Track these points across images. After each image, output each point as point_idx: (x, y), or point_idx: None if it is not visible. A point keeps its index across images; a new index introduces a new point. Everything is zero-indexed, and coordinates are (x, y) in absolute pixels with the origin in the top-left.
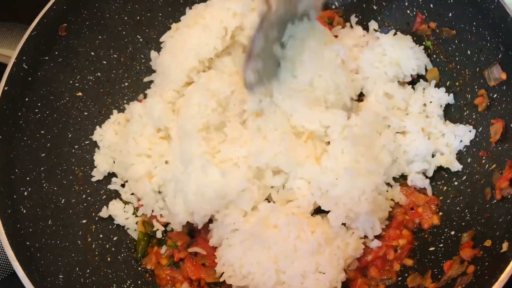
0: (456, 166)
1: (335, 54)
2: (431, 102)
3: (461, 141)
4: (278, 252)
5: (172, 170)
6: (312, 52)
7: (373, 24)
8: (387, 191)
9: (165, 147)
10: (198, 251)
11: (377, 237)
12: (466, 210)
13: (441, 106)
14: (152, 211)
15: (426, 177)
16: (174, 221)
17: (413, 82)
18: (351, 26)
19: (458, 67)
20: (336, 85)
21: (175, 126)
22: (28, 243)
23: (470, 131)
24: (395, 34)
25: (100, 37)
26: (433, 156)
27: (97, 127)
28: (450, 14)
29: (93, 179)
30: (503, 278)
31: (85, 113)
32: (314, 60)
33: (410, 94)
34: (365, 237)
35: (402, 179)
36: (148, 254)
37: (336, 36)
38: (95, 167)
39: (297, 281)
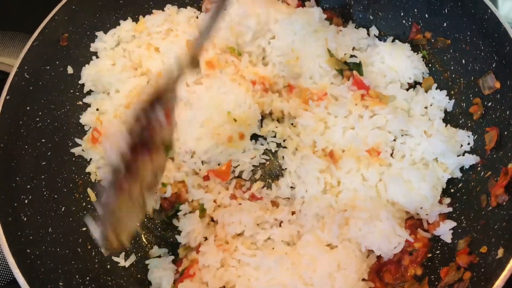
0: (456, 173)
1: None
2: (431, 104)
3: (461, 145)
4: (297, 266)
5: None
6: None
7: (373, 30)
8: None
9: None
10: None
11: None
12: (462, 217)
13: (441, 110)
14: None
15: None
16: None
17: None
18: (356, 27)
19: (453, 76)
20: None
21: None
22: (28, 250)
23: (468, 137)
24: (393, 41)
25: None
26: None
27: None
28: (445, 24)
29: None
30: (499, 284)
31: None
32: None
33: (411, 96)
34: None
35: None
36: None
37: None
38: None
39: (328, 285)
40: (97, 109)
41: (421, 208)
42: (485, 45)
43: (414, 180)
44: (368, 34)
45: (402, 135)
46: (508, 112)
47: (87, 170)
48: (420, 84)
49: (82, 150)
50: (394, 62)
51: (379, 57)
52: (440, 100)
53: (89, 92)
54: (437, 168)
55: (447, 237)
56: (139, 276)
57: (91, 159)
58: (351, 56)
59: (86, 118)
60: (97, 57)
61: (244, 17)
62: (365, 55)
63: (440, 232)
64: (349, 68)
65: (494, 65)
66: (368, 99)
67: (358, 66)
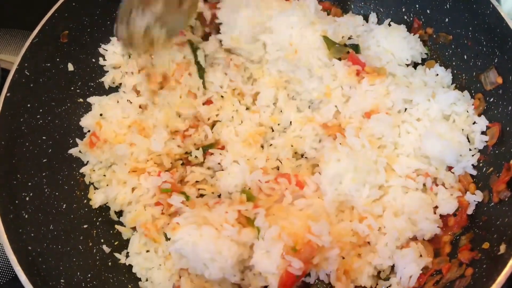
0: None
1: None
2: (435, 81)
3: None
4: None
5: None
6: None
7: (372, 17)
8: None
9: None
10: None
11: None
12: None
13: (443, 86)
14: None
15: None
16: None
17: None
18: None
19: (455, 71)
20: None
21: None
22: (30, 248)
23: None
24: (389, 24)
25: (101, 44)
26: None
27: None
28: (447, 20)
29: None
30: (501, 280)
31: None
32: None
33: (411, 72)
34: None
35: None
36: None
37: None
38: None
39: None
40: (101, 114)
41: (461, 155)
42: (487, 40)
43: (446, 131)
44: (366, 21)
45: (405, 109)
46: (510, 107)
47: (81, 170)
48: (420, 64)
49: (79, 151)
50: (389, 44)
51: (375, 40)
52: (443, 76)
53: (94, 92)
54: (460, 120)
55: (470, 209)
56: None
57: (88, 161)
58: (349, 38)
59: (86, 121)
60: (99, 54)
61: (243, 17)
62: (360, 40)
63: (467, 197)
64: (347, 52)
65: (496, 61)
66: (364, 75)
67: (355, 47)
